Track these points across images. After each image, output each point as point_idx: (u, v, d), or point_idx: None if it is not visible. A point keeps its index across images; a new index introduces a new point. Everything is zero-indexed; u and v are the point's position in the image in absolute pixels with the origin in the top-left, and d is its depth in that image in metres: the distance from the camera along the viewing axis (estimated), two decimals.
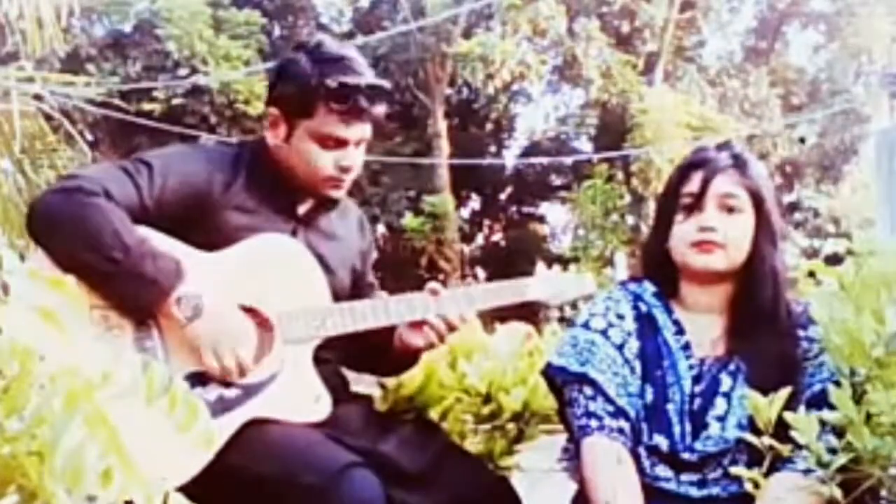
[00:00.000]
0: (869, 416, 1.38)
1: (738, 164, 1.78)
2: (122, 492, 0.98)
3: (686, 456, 1.69)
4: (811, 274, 1.89)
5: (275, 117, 1.91)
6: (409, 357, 2.02)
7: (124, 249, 1.68)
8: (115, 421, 1.01)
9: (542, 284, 2.08)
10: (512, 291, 2.04)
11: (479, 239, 21.88)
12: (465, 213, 21.13)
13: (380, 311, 1.90)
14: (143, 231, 1.75)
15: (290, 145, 1.90)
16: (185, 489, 1.67)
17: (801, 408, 1.54)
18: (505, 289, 2.04)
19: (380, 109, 1.91)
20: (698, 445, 1.69)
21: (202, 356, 1.73)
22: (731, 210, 1.75)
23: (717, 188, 1.75)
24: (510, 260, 19.54)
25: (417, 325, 1.94)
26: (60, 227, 1.70)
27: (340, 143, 1.89)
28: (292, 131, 1.90)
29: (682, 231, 1.76)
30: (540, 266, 2.13)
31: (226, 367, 1.73)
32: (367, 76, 1.90)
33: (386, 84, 1.94)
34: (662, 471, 1.71)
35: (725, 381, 1.73)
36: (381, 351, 2.00)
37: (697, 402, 1.72)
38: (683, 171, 1.80)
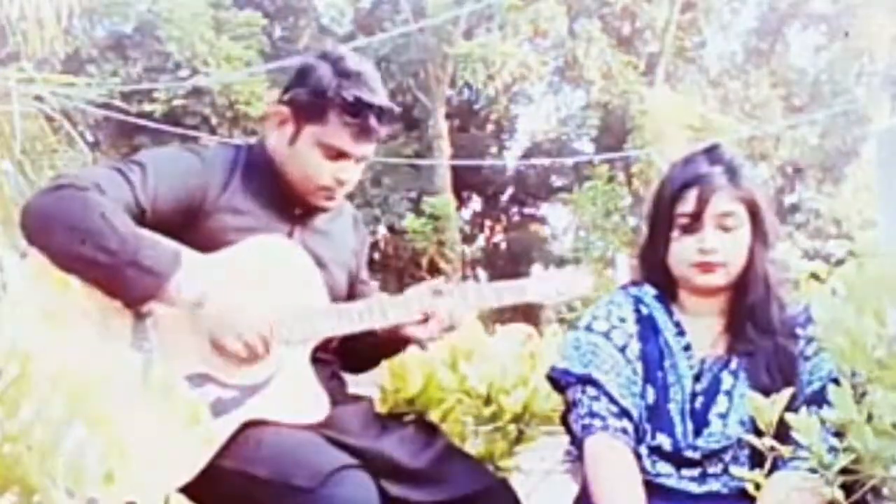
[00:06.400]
0: (870, 417, 1.38)
1: (732, 177, 1.75)
2: (122, 492, 0.98)
3: (689, 453, 1.71)
4: (813, 276, 1.89)
5: (284, 116, 1.92)
6: (396, 344, 1.99)
7: (120, 239, 1.66)
8: (116, 422, 1.01)
9: (539, 285, 2.09)
10: (510, 292, 2.05)
11: (480, 240, 21.85)
12: (466, 214, 21.11)
13: (376, 311, 1.89)
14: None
15: (293, 148, 1.90)
16: (179, 491, 1.68)
17: (802, 407, 1.54)
18: (503, 290, 2.05)
19: (386, 131, 1.94)
20: (700, 442, 1.71)
21: (224, 342, 1.71)
22: (728, 229, 1.74)
23: (714, 208, 1.73)
24: (511, 261, 19.53)
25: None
26: (54, 224, 1.68)
27: (343, 157, 1.89)
28: (299, 134, 1.90)
29: (682, 250, 1.76)
30: (537, 267, 2.15)
31: (250, 344, 1.72)
32: (381, 96, 1.91)
33: (396, 108, 1.96)
34: (664, 468, 1.73)
35: (727, 380, 1.75)
36: (365, 338, 1.95)
37: (699, 400, 1.74)
38: (677, 191, 1.76)
